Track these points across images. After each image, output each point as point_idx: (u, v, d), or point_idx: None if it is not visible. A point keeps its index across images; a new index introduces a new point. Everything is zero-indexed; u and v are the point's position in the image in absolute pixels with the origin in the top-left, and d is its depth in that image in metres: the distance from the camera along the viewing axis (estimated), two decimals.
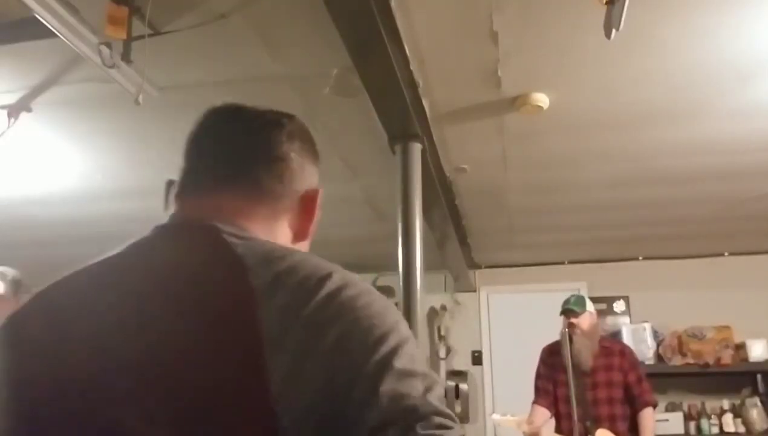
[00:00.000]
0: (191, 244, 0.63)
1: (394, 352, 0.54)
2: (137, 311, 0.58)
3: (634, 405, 2.92)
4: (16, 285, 2.95)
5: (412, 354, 0.56)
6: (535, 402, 2.97)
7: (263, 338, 0.53)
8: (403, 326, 0.58)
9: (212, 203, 0.67)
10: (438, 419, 0.52)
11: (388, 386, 0.52)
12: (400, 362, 0.54)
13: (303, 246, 0.74)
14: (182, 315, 0.56)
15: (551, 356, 3.02)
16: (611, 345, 3.09)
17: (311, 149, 0.76)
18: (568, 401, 2.87)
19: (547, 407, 2.92)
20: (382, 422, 0.51)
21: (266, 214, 0.68)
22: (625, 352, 3.06)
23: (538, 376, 3.03)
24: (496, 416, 2.88)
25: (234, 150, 0.71)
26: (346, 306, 0.56)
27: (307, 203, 0.73)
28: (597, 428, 2.75)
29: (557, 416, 2.90)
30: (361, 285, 0.59)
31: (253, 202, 0.68)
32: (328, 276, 0.57)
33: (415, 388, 0.53)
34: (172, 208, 0.71)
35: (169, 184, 0.73)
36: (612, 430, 2.81)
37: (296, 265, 0.58)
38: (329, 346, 0.53)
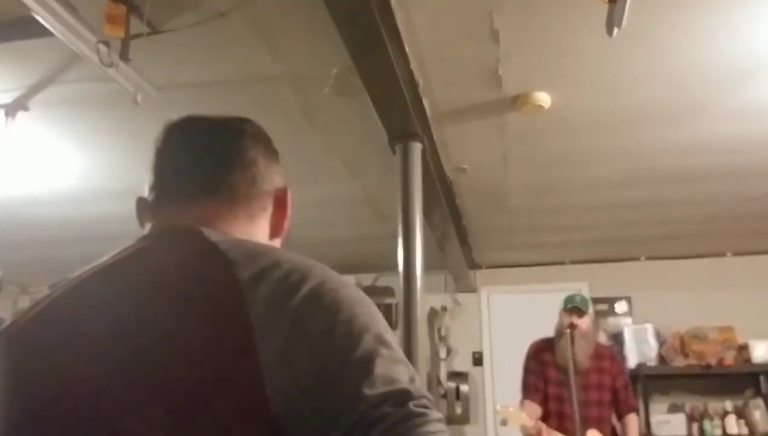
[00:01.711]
0: (177, 246, 0.65)
1: (379, 340, 0.58)
2: (129, 314, 0.59)
3: (618, 410, 2.98)
4: None
5: (394, 343, 0.59)
6: (525, 399, 2.93)
7: (253, 324, 0.55)
8: (381, 317, 0.62)
9: (191, 213, 0.70)
10: (425, 401, 0.56)
11: (380, 369, 0.55)
12: (386, 350, 0.57)
13: (277, 243, 0.78)
14: (173, 312, 0.58)
15: (541, 353, 3.00)
16: (602, 349, 3.12)
17: (272, 149, 0.80)
18: (557, 399, 2.88)
19: (539, 404, 2.91)
20: (381, 397, 0.54)
21: (244, 218, 0.72)
22: (614, 357, 3.13)
23: (528, 372, 2.99)
24: (499, 407, 2.86)
25: (205, 160, 0.74)
26: (330, 298, 0.59)
27: (279, 202, 0.77)
28: (587, 429, 2.75)
29: (546, 413, 2.89)
30: (340, 279, 0.63)
31: (231, 208, 0.72)
32: (309, 271, 0.61)
33: (403, 374, 0.57)
34: (149, 223, 0.74)
35: (140, 201, 0.76)
36: (600, 431, 2.82)
37: (278, 260, 0.61)
38: (318, 332, 0.56)
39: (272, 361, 0.54)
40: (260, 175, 0.75)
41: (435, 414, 0.55)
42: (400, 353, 0.59)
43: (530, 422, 2.72)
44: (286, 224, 0.78)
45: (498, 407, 2.88)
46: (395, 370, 0.56)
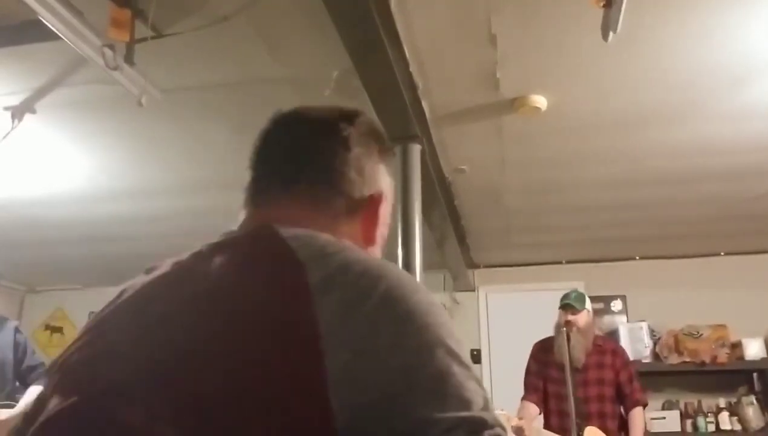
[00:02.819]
0: (250, 245, 0.64)
1: (452, 355, 0.54)
2: (193, 315, 0.57)
3: (624, 404, 2.94)
4: None
5: (467, 358, 0.56)
6: (524, 398, 2.96)
7: (321, 332, 0.52)
8: (452, 326, 0.59)
9: (273, 213, 0.69)
10: (500, 431, 0.53)
11: (453, 390, 0.52)
12: (459, 367, 0.54)
13: (374, 251, 0.74)
14: (237, 317, 0.55)
15: (542, 352, 3.02)
16: (604, 344, 3.10)
17: (374, 150, 0.76)
18: (558, 397, 2.88)
19: (537, 403, 2.93)
20: (454, 422, 0.50)
21: (325, 223, 0.69)
22: (617, 351, 3.09)
23: (528, 372, 3.02)
24: None
25: (291, 160, 0.72)
26: (402, 307, 0.55)
27: (369, 209, 0.74)
28: (586, 425, 2.75)
29: (546, 412, 2.91)
30: (411, 283, 0.59)
31: (312, 211, 0.70)
32: (381, 274, 0.57)
33: (477, 396, 0.53)
34: (242, 216, 0.73)
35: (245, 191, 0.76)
36: (601, 427, 2.82)
37: (349, 262, 0.58)
38: (388, 345, 0.53)
39: (339, 371, 0.51)
40: (348, 182, 0.71)
41: None
42: (472, 370, 0.55)
43: (513, 421, 2.74)
44: (379, 232, 0.74)
45: None
46: (469, 391, 0.53)
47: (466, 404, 0.52)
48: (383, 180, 0.76)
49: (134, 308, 0.62)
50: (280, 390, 0.51)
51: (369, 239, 0.74)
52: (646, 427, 3.09)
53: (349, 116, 0.76)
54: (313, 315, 0.53)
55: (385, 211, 0.75)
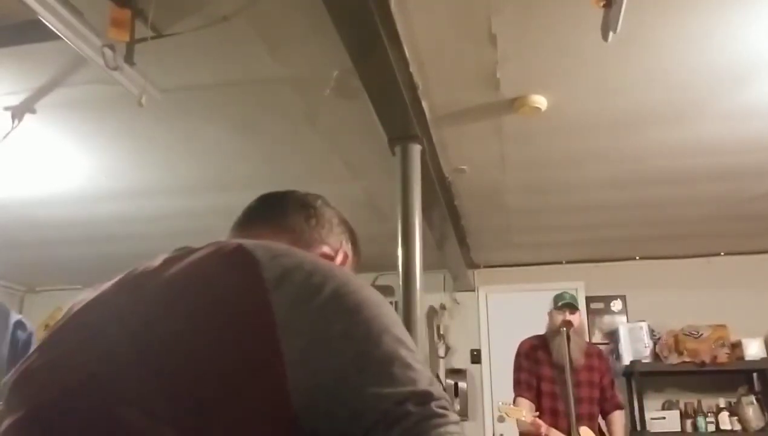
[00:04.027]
0: (209, 248, 0.68)
1: (399, 341, 0.60)
2: (157, 313, 0.61)
3: (604, 406, 3.00)
4: None
5: (412, 345, 0.61)
6: (519, 396, 2.96)
7: (276, 322, 0.57)
8: (399, 319, 0.64)
9: (244, 233, 0.80)
10: (445, 402, 0.58)
11: (401, 369, 0.57)
12: (406, 351, 0.59)
13: None
14: (199, 310, 0.59)
15: (534, 350, 3.02)
16: (590, 347, 3.16)
17: (341, 230, 0.88)
18: (551, 396, 2.90)
19: (532, 401, 2.93)
20: (403, 396, 0.55)
21: (289, 242, 0.77)
22: (602, 354, 3.16)
23: (520, 369, 3.01)
24: (501, 403, 2.91)
25: (270, 206, 0.86)
26: (351, 300, 0.61)
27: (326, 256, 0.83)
28: (579, 425, 2.78)
29: (539, 411, 2.91)
30: (359, 281, 0.65)
31: (279, 233, 0.80)
32: (331, 273, 0.63)
33: (422, 375, 0.58)
34: None
35: None
36: (591, 428, 2.86)
37: (301, 262, 0.63)
38: (340, 333, 0.58)
39: (294, 358, 0.55)
40: (316, 220, 0.84)
41: (454, 416, 0.57)
42: (418, 355, 0.60)
43: (529, 418, 2.76)
44: None
45: (500, 403, 2.93)
46: (415, 371, 0.57)
47: (413, 381, 0.57)
48: (346, 249, 0.87)
49: (89, 315, 0.66)
50: (240, 375, 0.55)
51: None
52: None
53: (318, 198, 0.89)
54: (268, 306, 0.58)
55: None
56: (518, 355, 3.06)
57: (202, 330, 0.58)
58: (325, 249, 0.83)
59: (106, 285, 0.69)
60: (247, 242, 0.66)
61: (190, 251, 0.69)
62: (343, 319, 0.59)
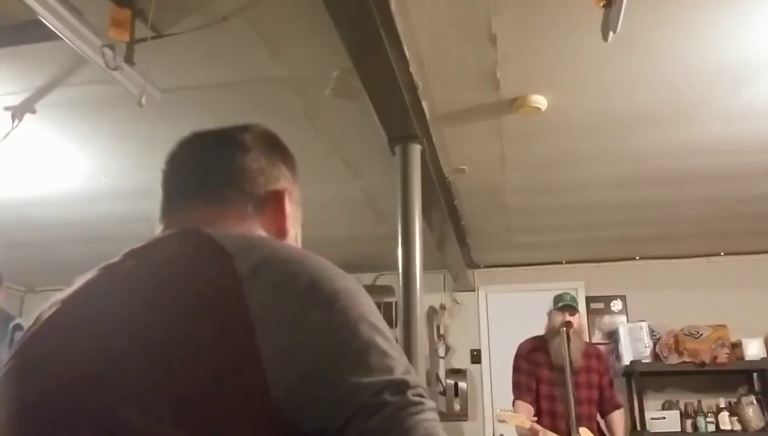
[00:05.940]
0: (178, 243, 0.68)
1: (376, 330, 0.60)
2: (134, 310, 0.61)
3: (603, 407, 3.00)
4: None
5: (389, 333, 0.61)
6: (518, 399, 2.96)
7: (252, 315, 0.57)
8: (376, 307, 0.64)
9: (188, 217, 0.74)
10: (421, 390, 0.59)
11: (377, 358, 0.58)
12: (382, 340, 0.60)
13: (289, 243, 0.80)
14: (176, 306, 0.59)
15: (533, 352, 3.02)
16: (589, 348, 3.15)
17: (274, 152, 0.82)
18: (550, 398, 2.90)
19: (531, 404, 2.93)
20: (380, 386, 0.56)
21: (236, 219, 0.75)
22: (601, 355, 3.15)
23: (519, 371, 3.01)
24: (500, 411, 2.91)
25: (196, 172, 0.79)
26: (328, 289, 0.61)
27: (274, 204, 0.79)
28: (579, 426, 2.78)
29: (538, 412, 2.91)
30: (335, 270, 0.64)
31: (221, 212, 0.75)
32: (306, 262, 0.62)
33: (399, 363, 0.59)
34: (159, 229, 0.78)
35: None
36: (590, 429, 2.86)
37: (274, 252, 0.63)
38: (317, 322, 0.58)
39: (272, 350, 0.55)
40: (249, 181, 0.77)
41: (430, 403, 0.58)
42: (395, 343, 0.61)
43: (528, 424, 2.75)
44: (289, 225, 0.79)
45: (499, 411, 2.93)
46: (392, 359, 0.58)
47: (390, 369, 0.57)
48: (284, 177, 0.81)
49: (64, 315, 0.65)
50: (219, 370, 0.55)
51: (280, 233, 0.79)
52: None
53: (245, 126, 0.83)
54: (243, 298, 0.57)
55: (291, 206, 0.80)
56: (517, 357, 3.06)
57: (181, 329, 0.58)
58: (269, 205, 0.78)
59: (76, 287, 0.68)
60: (214, 234, 0.65)
61: (156, 243, 0.69)
62: (321, 308, 0.59)
